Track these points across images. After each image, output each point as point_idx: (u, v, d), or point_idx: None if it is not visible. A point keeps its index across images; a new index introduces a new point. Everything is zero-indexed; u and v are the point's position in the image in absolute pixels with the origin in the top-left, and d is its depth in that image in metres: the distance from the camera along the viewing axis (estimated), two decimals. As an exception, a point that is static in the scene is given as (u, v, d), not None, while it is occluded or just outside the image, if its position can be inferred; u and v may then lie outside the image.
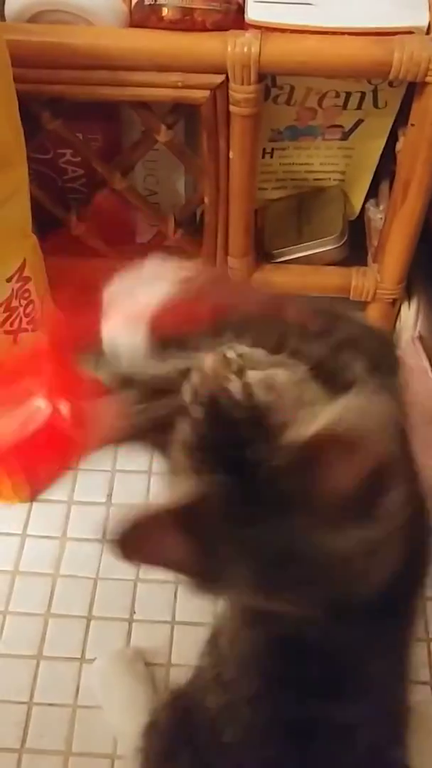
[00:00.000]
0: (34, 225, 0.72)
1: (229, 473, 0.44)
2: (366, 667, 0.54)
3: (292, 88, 0.79)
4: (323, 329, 0.54)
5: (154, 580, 0.84)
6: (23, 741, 0.75)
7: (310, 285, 0.93)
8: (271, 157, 0.89)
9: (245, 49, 0.69)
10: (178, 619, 0.82)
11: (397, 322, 0.97)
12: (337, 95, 0.80)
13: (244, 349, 0.49)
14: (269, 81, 0.77)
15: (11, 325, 0.71)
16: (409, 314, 0.94)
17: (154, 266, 0.54)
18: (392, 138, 0.83)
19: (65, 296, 0.65)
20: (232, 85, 0.71)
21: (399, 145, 0.79)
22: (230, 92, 0.72)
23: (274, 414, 0.45)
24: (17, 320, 0.72)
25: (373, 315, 0.95)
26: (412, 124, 0.75)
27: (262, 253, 0.92)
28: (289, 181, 0.93)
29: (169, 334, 0.53)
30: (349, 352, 0.53)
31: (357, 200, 0.94)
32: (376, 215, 0.92)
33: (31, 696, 0.77)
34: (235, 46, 0.69)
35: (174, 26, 0.71)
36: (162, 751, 0.61)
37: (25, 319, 0.73)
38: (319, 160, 0.90)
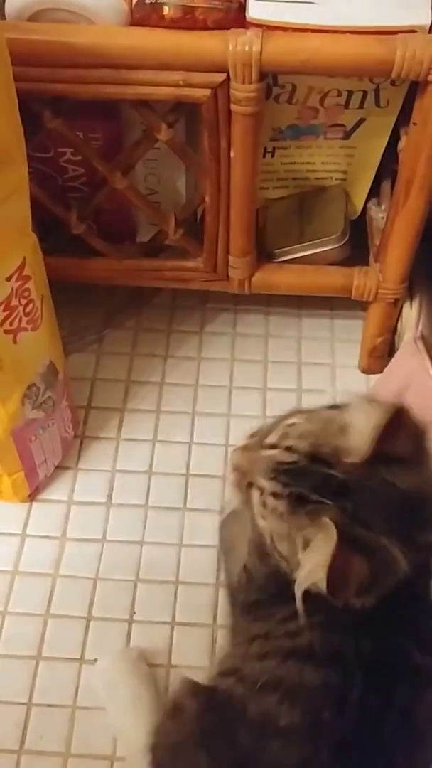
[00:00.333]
0: (34, 224, 0.72)
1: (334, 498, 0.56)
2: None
3: (294, 87, 0.79)
4: None
5: (154, 581, 0.84)
6: (22, 742, 0.75)
7: (312, 285, 0.93)
8: (273, 156, 0.88)
9: (246, 48, 0.69)
10: (178, 620, 0.81)
11: (399, 322, 0.97)
12: (339, 94, 0.80)
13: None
14: (271, 80, 0.77)
15: (11, 324, 0.71)
16: (411, 314, 0.93)
17: None
18: (394, 137, 0.83)
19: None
20: (233, 83, 0.71)
21: (401, 144, 0.79)
22: (231, 91, 0.72)
23: (324, 448, 0.58)
24: (17, 319, 0.72)
25: (375, 315, 0.95)
26: (414, 123, 0.74)
27: (264, 252, 0.92)
28: (290, 181, 0.93)
29: None
30: None
31: (359, 199, 0.94)
32: (378, 214, 0.91)
33: (30, 697, 0.77)
34: (237, 44, 0.69)
35: (175, 25, 0.71)
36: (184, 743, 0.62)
37: (24, 318, 0.73)
38: (320, 159, 0.89)
